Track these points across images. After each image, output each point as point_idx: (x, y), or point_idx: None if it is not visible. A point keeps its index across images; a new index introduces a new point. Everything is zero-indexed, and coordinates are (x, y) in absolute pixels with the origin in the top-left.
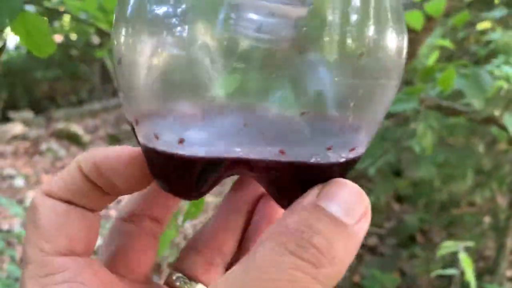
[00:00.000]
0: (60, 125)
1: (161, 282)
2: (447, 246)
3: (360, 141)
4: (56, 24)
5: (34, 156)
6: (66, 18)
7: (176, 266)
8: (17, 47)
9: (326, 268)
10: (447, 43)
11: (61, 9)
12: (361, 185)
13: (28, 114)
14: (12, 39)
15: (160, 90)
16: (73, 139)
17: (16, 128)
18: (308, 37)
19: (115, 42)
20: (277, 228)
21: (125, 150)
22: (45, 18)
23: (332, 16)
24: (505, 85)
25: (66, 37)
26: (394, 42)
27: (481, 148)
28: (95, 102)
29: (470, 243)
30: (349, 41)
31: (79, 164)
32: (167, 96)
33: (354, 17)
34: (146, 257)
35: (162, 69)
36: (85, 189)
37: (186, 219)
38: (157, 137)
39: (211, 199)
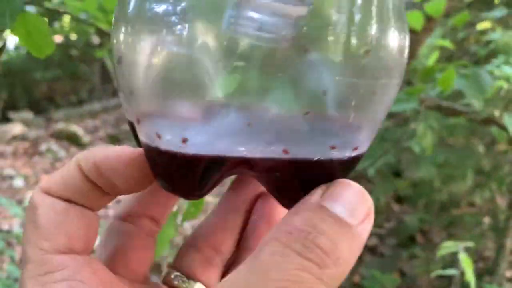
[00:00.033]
0: (60, 126)
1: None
2: (447, 247)
3: (363, 140)
4: (56, 24)
5: (33, 156)
6: (66, 18)
7: (174, 265)
8: (16, 48)
9: (331, 269)
10: (447, 43)
11: (61, 9)
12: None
13: (27, 114)
14: (11, 40)
15: (162, 88)
16: (72, 140)
17: (16, 128)
18: (308, 36)
19: (115, 41)
20: (282, 228)
21: (126, 151)
22: (45, 19)
23: (333, 15)
24: (505, 85)
25: (66, 37)
26: (397, 40)
27: (481, 148)
28: (95, 103)
29: (470, 244)
30: (351, 40)
31: (79, 163)
32: (169, 94)
33: (355, 16)
34: (145, 256)
35: (163, 67)
36: (85, 189)
37: (185, 219)
38: (159, 136)
39: (210, 199)
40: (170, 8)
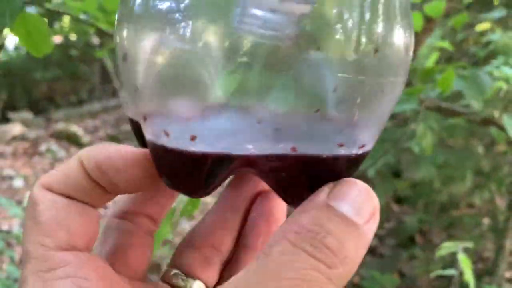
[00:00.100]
0: (60, 126)
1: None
2: (447, 247)
3: (369, 138)
4: (56, 25)
5: (33, 156)
6: (66, 18)
7: (173, 262)
8: (16, 48)
9: (338, 269)
10: (446, 44)
11: (61, 10)
12: None
13: (27, 114)
14: (11, 40)
15: (169, 86)
16: (72, 140)
17: (16, 128)
18: (311, 34)
19: (119, 38)
20: (290, 227)
21: (128, 150)
22: (45, 19)
23: (336, 13)
24: (504, 86)
25: (66, 37)
26: (403, 38)
27: (480, 149)
28: (95, 103)
29: (469, 244)
30: (357, 38)
31: (81, 161)
32: (175, 91)
33: (361, 14)
34: (144, 254)
35: (169, 64)
36: (87, 187)
37: (182, 215)
38: (167, 134)
39: (210, 199)
40: (173, 5)
